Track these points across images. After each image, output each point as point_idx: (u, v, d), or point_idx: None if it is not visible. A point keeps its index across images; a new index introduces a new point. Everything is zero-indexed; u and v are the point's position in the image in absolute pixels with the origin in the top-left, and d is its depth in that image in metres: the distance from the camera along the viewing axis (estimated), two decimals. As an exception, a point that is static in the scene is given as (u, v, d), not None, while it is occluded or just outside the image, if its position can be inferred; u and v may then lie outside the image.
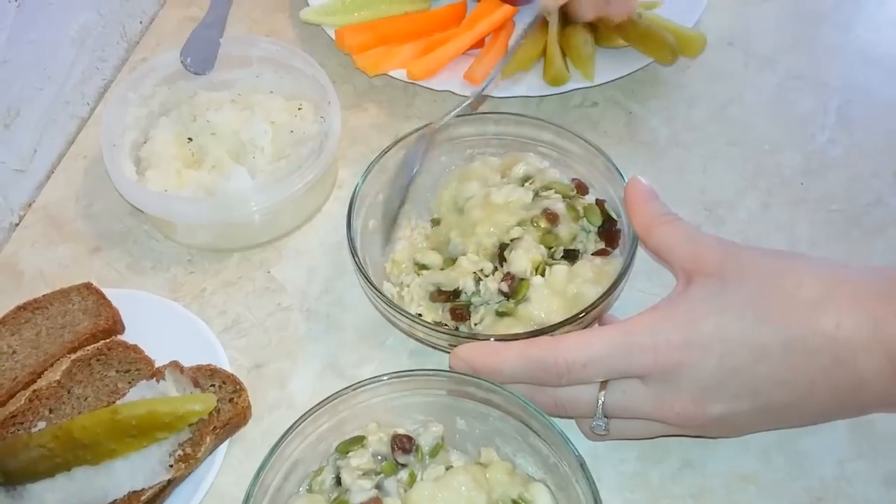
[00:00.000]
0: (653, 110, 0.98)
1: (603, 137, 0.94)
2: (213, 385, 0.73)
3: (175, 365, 0.72)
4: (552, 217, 0.76)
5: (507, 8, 1.01)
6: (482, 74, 0.96)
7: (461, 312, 0.74)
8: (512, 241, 0.75)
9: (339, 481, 0.64)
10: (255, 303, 0.84)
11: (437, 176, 0.84)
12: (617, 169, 0.77)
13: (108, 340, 0.77)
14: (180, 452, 0.67)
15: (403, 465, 0.65)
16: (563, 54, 0.96)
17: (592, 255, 0.76)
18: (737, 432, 0.68)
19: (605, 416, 0.65)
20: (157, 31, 1.12)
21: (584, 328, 0.70)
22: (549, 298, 0.72)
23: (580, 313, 0.69)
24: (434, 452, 0.66)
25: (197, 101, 0.93)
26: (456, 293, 0.75)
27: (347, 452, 0.65)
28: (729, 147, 0.94)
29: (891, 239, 0.84)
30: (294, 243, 0.88)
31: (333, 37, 1.02)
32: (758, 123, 0.96)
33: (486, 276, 0.75)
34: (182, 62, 0.93)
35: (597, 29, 0.97)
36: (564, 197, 0.78)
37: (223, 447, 0.72)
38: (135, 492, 0.66)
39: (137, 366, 0.75)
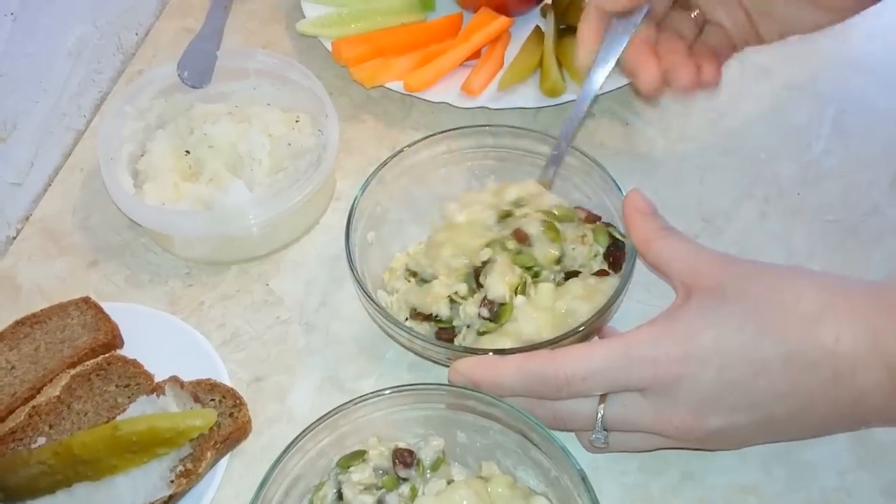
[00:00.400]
0: (649, 121, 0.98)
1: (599, 149, 0.94)
2: (213, 400, 0.73)
3: (175, 380, 0.72)
4: (522, 237, 0.75)
5: (504, 19, 1.01)
6: (479, 86, 0.96)
7: (447, 336, 0.74)
8: (483, 263, 0.74)
9: (340, 496, 0.64)
10: (254, 316, 0.84)
11: (439, 189, 0.84)
12: (615, 182, 0.77)
13: (107, 355, 0.76)
14: (181, 468, 0.67)
15: (405, 480, 0.65)
16: (560, 65, 0.97)
17: (592, 275, 0.75)
18: (736, 445, 0.68)
19: (605, 429, 0.65)
20: (153, 43, 1.12)
21: (582, 341, 0.70)
22: (536, 315, 0.72)
23: (579, 327, 0.69)
24: (435, 466, 0.66)
25: (194, 113, 0.92)
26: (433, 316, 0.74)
27: (349, 467, 0.65)
28: (725, 157, 0.94)
29: (887, 248, 0.84)
30: (292, 256, 0.88)
31: (330, 49, 1.01)
32: (754, 133, 0.96)
33: (463, 297, 0.74)
34: (179, 75, 0.93)
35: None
36: (548, 218, 0.76)
37: (223, 461, 0.72)
38: (136, 508, 0.66)
39: (137, 380, 0.75)
